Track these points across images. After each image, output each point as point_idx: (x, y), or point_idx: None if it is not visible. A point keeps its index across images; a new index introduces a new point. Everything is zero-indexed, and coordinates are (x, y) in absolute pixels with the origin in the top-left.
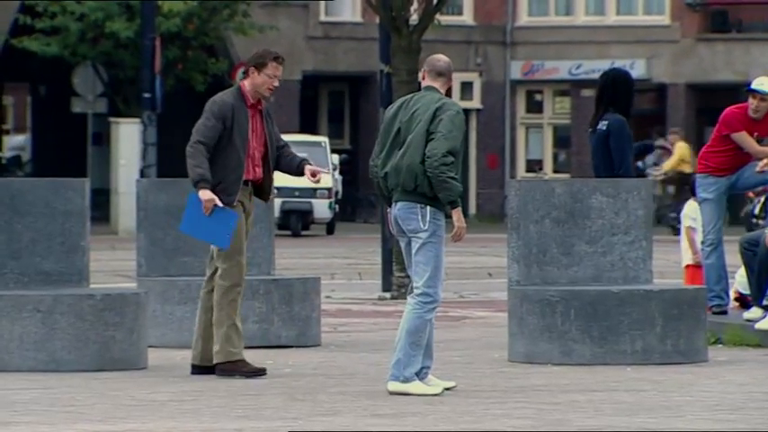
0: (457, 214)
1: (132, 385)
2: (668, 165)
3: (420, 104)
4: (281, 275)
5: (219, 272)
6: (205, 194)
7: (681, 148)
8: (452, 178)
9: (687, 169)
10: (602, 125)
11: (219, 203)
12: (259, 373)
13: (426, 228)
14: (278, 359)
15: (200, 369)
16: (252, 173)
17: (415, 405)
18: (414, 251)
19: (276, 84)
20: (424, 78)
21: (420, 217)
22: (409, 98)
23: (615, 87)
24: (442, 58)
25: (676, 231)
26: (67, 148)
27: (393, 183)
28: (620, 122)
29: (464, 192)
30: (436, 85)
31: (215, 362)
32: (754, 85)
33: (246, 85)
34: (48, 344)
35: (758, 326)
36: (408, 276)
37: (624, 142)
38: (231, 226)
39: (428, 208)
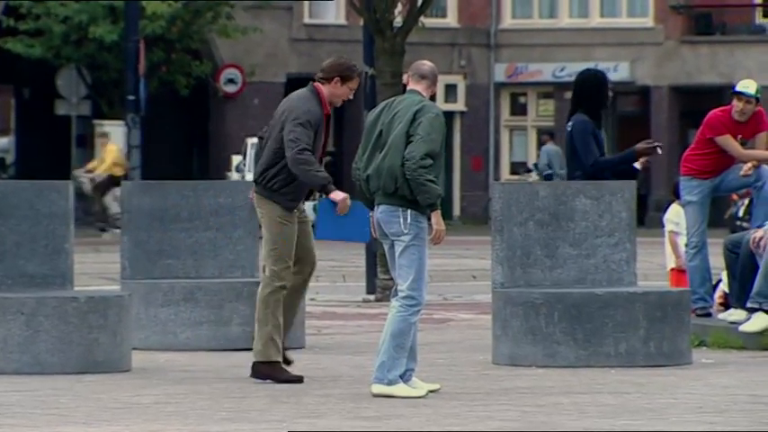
0: (436, 217)
1: (116, 388)
2: (101, 168)
3: (401, 107)
4: None
5: (268, 272)
6: (338, 195)
7: (111, 152)
8: (431, 181)
9: (119, 172)
10: (569, 126)
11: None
12: (296, 380)
13: (408, 231)
14: None
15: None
16: None
17: (398, 407)
18: (397, 254)
19: (351, 97)
20: (408, 83)
21: (402, 220)
22: (392, 101)
23: (583, 88)
24: (426, 63)
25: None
26: (51, 151)
27: (375, 185)
28: (582, 122)
29: (448, 194)
30: (419, 88)
31: (254, 359)
32: (739, 88)
33: (325, 91)
34: (32, 346)
35: (743, 328)
36: (392, 279)
37: (587, 140)
38: (367, 217)
39: (409, 211)
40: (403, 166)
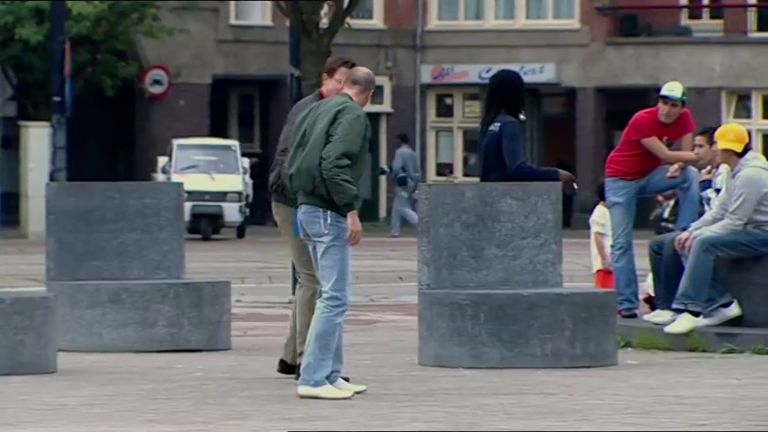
0: (352, 218)
1: (42, 389)
2: None
3: (325, 107)
4: (191, 279)
5: (304, 277)
6: None
7: None
8: (347, 181)
9: None
10: (495, 126)
11: None
12: None
13: (328, 231)
14: (188, 363)
15: (290, 367)
16: None
17: (325, 409)
18: (319, 255)
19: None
20: (343, 87)
21: (322, 220)
22: (318, 102)
23: (505, 89)
24: (362, 69)
25: None
26: None
27: (296, 185)
28: (512, 124)
29: (375, 195)
30: (350, 92)
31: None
32: (664, 91)
33: (328, 86)
34: None
35: (668, 329)
36: (318, 280)
37: (516, 144)
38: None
39: (329, 211)
40: (320, 165)
